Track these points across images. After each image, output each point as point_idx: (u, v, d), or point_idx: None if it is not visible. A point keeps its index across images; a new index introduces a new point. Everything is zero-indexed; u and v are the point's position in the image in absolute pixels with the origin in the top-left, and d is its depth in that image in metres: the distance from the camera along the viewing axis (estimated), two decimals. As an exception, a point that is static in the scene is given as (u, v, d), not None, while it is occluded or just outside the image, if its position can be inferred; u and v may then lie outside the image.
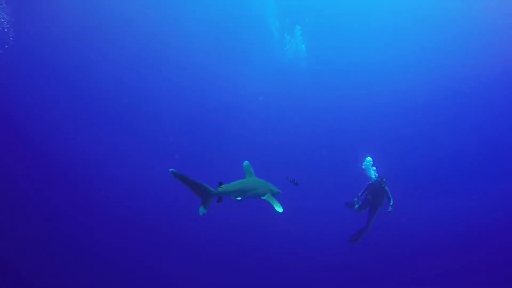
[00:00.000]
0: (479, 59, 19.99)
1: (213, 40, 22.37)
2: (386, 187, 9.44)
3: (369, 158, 10.74)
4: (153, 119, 20.30)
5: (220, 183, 5.67)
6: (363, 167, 10.78)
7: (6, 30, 16.38)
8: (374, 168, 10.52)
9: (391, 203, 9.09)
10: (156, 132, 19.66)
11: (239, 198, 5.92)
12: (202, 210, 5.53)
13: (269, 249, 14.70)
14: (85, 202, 16.01)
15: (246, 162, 6.69)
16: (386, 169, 10.39)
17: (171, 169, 5.33)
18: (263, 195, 6.32)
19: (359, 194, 9.75)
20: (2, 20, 16.13)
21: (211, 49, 22.35)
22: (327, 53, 21.49)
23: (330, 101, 21.40)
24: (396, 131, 20.01)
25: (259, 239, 14.93)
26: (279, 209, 6.07)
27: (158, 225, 15.39)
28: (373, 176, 10.33)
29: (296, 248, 14.90)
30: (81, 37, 20.20)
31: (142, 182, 17.09)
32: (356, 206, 9.73)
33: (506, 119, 19.23)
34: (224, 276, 13.91)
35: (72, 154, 17.79)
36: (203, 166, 17.30)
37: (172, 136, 18.59)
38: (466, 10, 19.88)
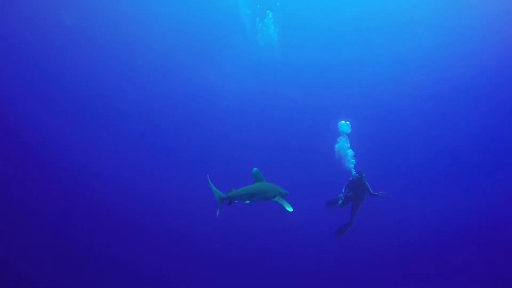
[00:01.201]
0: (468, 58, 20.02)
1: (181, 32, 21.61)
2: (366, 183, 9.34)
3: (343, 140, 10.44)
4: (121, 119, 19.97)
5: (231, 189, 6.38)
6: (336, 148, 10.52)
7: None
8: (353, 161, 10.42)
9: (376, 193, 9.20)
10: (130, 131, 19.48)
11: (247, 202, 6.56)
12: (217, 213, 6.28)
13: (258, 247, 14.90)
14: (86, 203, 16.11)
15: (255, 169, 7.17)
16: (372, 165, 10.20)
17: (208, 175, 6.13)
18: (273, 198, 6.89)
19: (343, 190, 9.60)
20: None
21: (180, 42, 21.62)
22: (301, 42, 21.05)
23: (305, 93, 20.99)
24: (376, 125, 19.65)
25: (251, 239, 15.13)
26: (289, 208, 6.62)
27: (157, 226, 15.58)
28: (351, 166, 10.30)
29: (285, 245, 15.06)
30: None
31: (141, 183, 17.33)
32: (340, 201, 9.60)
33: (497, 117, 19.35)
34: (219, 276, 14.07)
35: (67, 156, 17.81)
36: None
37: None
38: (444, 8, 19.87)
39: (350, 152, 10.76)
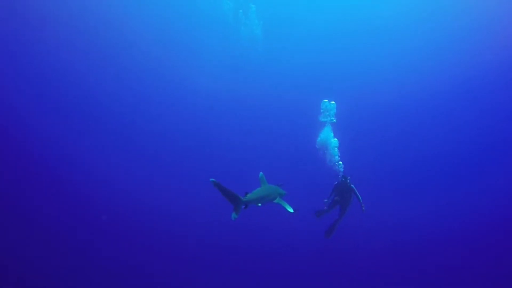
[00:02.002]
0: (455, 57, 20.14)
1: (163, 25, 21.22)
2: (352, 186, 9.32)
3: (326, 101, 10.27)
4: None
5: (246, 193, 6.54)
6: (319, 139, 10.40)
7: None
8: (341, 163, 10.44)
9: (361, 202, 9.13)
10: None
11: (259, 204, 6.88)
12: (234, 215, 6.25)
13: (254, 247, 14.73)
14: (85, 203, 16.03)
15: (261, 173, 7.59)
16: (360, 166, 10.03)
17: (211, 179, 5.91)
18: (275, 199, 7.39)
19: (329, 195, 9.62)
20: None
21: (161, 35, 21.23)
22: (284, 35, 20.93)
23: (289, 88, 20.87)
24: (363, 122, 19.63)
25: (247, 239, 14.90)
26: (290, 209, 7.17)
27: (154, 228, 15.49)
28: (337, 163, 10.24)
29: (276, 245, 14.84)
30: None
31: (135, 184, 17.31)
32: (325, 207, 9.64)
33: (486, 118, 19.43)
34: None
35: (66, 157, 17.73)
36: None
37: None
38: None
39: (334, 142, 10.63)
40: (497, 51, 19.25)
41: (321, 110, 10.47)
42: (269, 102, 20.57)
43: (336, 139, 10.59)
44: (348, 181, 9.33)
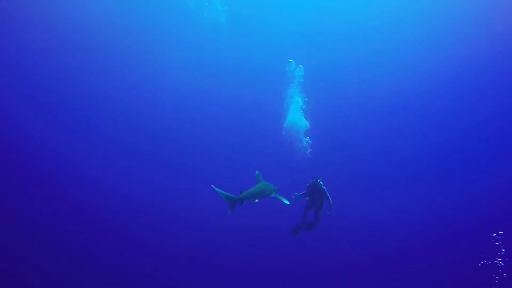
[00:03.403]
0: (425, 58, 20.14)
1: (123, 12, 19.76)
2: (323, 187, 9.22)
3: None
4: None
5: (241, 192, 7.11)
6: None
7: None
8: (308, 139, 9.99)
9: (331, 204, 9.07)
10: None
11: (256, 200, 7.39)
12: (229, 212, 7.01)
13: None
14: (84, 204, 16.28)
15: (257, 172, 8.12)
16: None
17: (212, 185, 6.83)
18: (270, 194, 7.88)
19: (300, 193, 9.50)
20: None
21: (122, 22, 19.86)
22: (250, 22, 20.06)
23: (254, 79, 20.06)
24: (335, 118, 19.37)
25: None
26: (286, 202, 7.68)
27: (151, 227, 15.81)
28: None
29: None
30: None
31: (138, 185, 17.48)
32: (295, 197, 9.46)
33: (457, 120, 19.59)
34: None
35: (65, 157, 17.90)
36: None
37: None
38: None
39: (305, 124, 9.86)
40: (478, 49, 19.37)
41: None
42: (235, 93, 20.06)
43: (307, 122, 9.75)
44: (320, 182, 9.21)
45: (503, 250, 11.88)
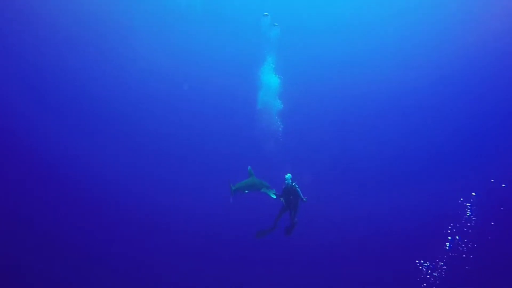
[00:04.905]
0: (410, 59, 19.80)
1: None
2: (296, 186, 9.34)
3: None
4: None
5: (230, 184, 8.96)
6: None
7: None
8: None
9: (302, 197, 9.26)
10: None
11: (246, 191, 9.07)
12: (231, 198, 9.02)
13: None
14: (83, 204, 16.33)
15: (249, 168, 9.46)
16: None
17: (230, 184, 9.03)
18: (261, 189, 9.37)
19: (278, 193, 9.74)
20: None
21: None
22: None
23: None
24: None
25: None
26: (273, 196, 9.10)
27: (151, 225, 16.11)
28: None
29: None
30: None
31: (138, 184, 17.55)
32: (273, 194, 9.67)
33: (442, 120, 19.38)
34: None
35: (64, 157, 17.85)
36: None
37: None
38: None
39: (277, 104, 9.66)
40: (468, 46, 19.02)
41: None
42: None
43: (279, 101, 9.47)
44: (295, 185, 9.28)
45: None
